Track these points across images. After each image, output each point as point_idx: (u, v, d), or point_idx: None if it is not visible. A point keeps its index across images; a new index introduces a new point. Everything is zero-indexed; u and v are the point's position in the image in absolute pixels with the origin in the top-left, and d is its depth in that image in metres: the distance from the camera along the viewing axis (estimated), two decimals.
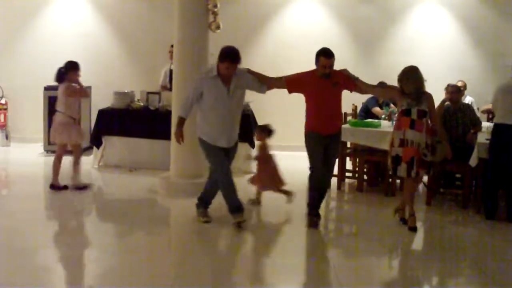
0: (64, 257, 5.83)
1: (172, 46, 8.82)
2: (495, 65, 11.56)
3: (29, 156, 10.36)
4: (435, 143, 7.50)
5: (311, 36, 11.46)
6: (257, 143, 7.89)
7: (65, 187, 8.20)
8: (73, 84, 8.17)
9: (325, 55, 6.54)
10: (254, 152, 8.54)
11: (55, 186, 8.19)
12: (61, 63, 11.13)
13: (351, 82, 6.71)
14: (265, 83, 6.71)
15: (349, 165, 9.05)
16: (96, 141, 9.72)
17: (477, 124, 8.11)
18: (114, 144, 9.67)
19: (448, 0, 11.61)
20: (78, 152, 8.33)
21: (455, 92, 8.26)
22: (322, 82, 6.59)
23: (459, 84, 9.80)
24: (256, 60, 11.11)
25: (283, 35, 11.61)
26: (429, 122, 6.74)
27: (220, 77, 6.38)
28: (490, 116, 9.93)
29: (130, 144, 9.60)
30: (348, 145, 8.93)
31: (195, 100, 6.50)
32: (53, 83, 10.64)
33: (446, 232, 7.05)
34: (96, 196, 8.55)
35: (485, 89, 10.97)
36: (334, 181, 8.54)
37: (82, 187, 8.23)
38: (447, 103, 8.28)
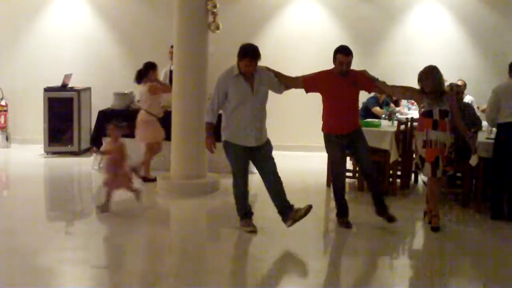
0: (64, 258, 5.81)
1: (172, 46, 8.81)
2: (495, 64, 11.54)
3: (29, 157, 10.36)
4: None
5: (311, 37, 11.46)
6: (108, 140, 7.72)
7: (155, 179, 8.45)
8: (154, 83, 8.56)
9: (342, 52, 6.55)
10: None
11: (146, 179, 8.50)
12: (61, 65, 11.24)
13: (370, 83, 6.70)
14: (283, 82, 6.61)
15: (349, 165, 9.03)
16: (96, 142, 9.70)
17: (477, 124, 8.09)
18: None
19: None
20: (157, 149, 8.64)
21: (460, 92, 8.31)
22: (340, 80, 6.56)
23: (459, 83, 9.80)
24: None
25: (283, 36, 11.59)
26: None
27: (242, 76, 6.28)
28: None
29: (130, 145, 9.55)
30: None
31: (221, 101, 6.32)
32: (53, 84, 10.73)
33: (446, 231, 7.03)
34: (96, 197, 8.55)
35: (484, 88, 10.89)
36: None
37: (152, 179, 8.55)
38: None
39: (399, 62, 11.39)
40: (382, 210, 6.81)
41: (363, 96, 8.99)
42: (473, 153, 6.90)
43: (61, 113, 10.58)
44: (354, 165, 8.99)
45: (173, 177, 8.22)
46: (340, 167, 6.82)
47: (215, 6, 8.04)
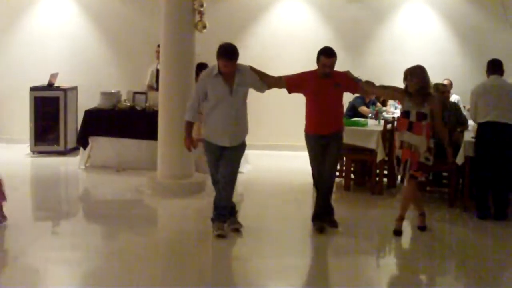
0: (51, 258, 5.78)
1: (158, 46, 8.79)
2: (481, 64, 11.50)
3: (15, 157, 10.28)
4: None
5: (298, 36, 11.46)
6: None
7: None
8: None
9: (325, 54, 6.50)
10: None
11: None
12: (47, 64, 11.18)
13: (354, 84, 6.67)
14: (265, 82, 6.60)
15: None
16: (82, 142, 9.66)
17: (463, 123, 8.14)
18: (101, 145, 9.60)
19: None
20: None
21: (446, 91, 8.35)
22: (323, 82, 6.53)
23: (445, 82, 9.86)
24: (242, 60, 11.03)
25: (270, 35, 11.58)
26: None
27: (222, 76, 6.25)
28: None
29: (117, 145, 9.55)
30: None
31: (200, 101, 6.33)
32: (39, 83, 10.66)
33: (433, 230, 7.07)
34: (83, 197, 8.53)
35: (470, 88, 10.97)
36: None
37: None
38: None
39: (386, 62, 11.42)
40: (320, 217, 6.76)
41: (350, 96, 9.02)
42: (449, 157, 6.85)
43: (48, 112, 10.52)
44: (341, 164, 9.02)
45: (159, 176, 8.20)
46: (320, 167, 6.73)
47: (201, 5, 8.02)
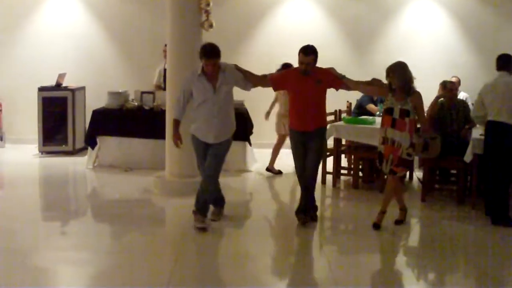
0: (59, 258, 5.80)
1: (166, 45, 8.79)
2: (489, 61, 11.49)
3: (24, 157, 10.33)
4: (429, 139, 7.49)
5: (304, 35, 11.38)
6: None
7: (280, 172, 9.20)
8: None
9: (303, 52, 6.58)
10: None
11: (270, 170, 9.28)
12: (54, 64, 11.21)
13: (337, 81, 6.70)
14: (250, 80, 6.73)
15: (344, 162, 9.04)
16: (90, 142, 9.67)
17: (471, 120, 8.11)
18: (109, 145, 9.62)
19: None
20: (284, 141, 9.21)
21: (454, 89, 8.31)
22: (304, 79, 6.59)
23: (454, 79, 9.83)
24: (249, 58, 11.09)
25: (276, 34, 11.59)
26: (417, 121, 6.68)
27: (205, 75, 6.42)
28: None
29: (124, 144, 9.57)
30: (343, 142, 8.91)
31: (186, 99, 6.57)
32: (47, 83, 10.70)
33: (441, 228, 7.06)
34: (91, 197, 8.55)
35: (478, 85, 10.83)
36: (329, 178, 8.59)
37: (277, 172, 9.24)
38: (441, 99, 8.29)
39: (392, 60, 11.09)
40: (299, 212, 6.81)
41: (358, 94, 9.01)
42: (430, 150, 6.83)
43: (56, 112, 10.56)
44: (349, 162, 9.01)
45: (167, 176, 8.20)
46: (302, 163, 6.76)
47: (208, 4, 8.02)
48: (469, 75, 11.18)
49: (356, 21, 11.67)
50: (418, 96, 6.60)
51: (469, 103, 9.25)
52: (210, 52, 6.35)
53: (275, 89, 6.88)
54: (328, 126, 8.28)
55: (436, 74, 10.66)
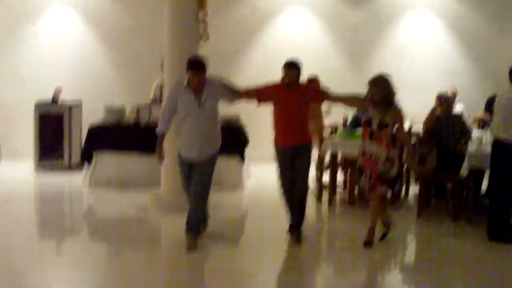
0: (54, 277, 5.79)
1: (163, 60, 8.73)
2: (485, 71, 11.59)
3: (19, 173, 10.31)
4: (426, 153, 7.50)
5: (302, 46, 11.45)
6: None
7: None
8: None
9: (286, 66, 6.55)
10: None
11: None
12: (51, 78, 11.21)
13: (319, 94, 6.72)
14: (235, 94, 6.69)
15: (340, 175, 9.01)
16: (87, 157, 9.65)
17: (465, 134, 8.10)
18: (105, 160, 9.56)
19: (438, 7, 11.62)
20: None
21: (449, 102, 8.30)
22: (288, 93, 6.57)
23: (449, 93, 9.80)
24: (246, 69, 11.11)
25: (274, 44, 11.59)
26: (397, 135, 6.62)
27: (191, 88, 6.33)
28: (481, 124, 9.91)
29: (121, 160, 9.53)
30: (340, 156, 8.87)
31: (171, 113, 6.45)
32: (43, 97, 10.68)
33: (437, 244, 7.04)
34: (87, 214, 8.53)
35: (475, 96, 10.98)
36: (325, 193, 8.56)
37: None
38: (437, 113, 8.30)
39: (390, 70, 11.19)
40: (294, 230, 6.81)
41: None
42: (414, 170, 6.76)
43: (52, 128, 10.54)
44: (345, 177, 8.98)
45: (163, 193, 8.18)
46: (287, 179, 6.73)
47: (206, 15, 8.01)
48: (465, 85, 11.20)
49: (354, 32, 11.69)
50: (399, 112, 6.59)
51: (465, 115, 9.23)
52: (197, 65, 6.28)
53: (259, 102, 6.78)
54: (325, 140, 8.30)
55: (432, 84, 10.67)
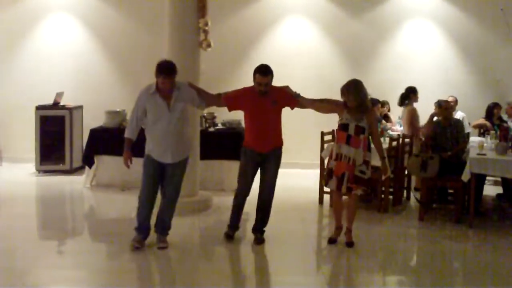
0: (55, 278, 5.78)
1: None
2: (484, 80, 11.64)
3: (21, 176, 10.31)
4: (427, 159, 7.51)
5: (302, 54, 11.50)
6: None
7: None
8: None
9: (260, 72, 6.47)
10: None
11: None
12: (52, 83, 11.23)
13: (292, 100, 6.67)
14: (204, 99, 6.65)
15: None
16: (88, 161, 9.67)
17: (460, 141, 8.13)
18: (106, 163, 9.60)
19: (437, 15, 11.68)
20: None
21: (449, 108, 8.34)
22: (260, 99, 6.51)
23: (450, 99, 9.86)
24: (247, 77, 11.10)
25: (274, 53, 11.60)
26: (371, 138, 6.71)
27: (160, 93, 6.28)
28: (482, 131, 9.97)
29: (122, 163, 9.47)
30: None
31: (139, 118, 6.37)
32: (44, 102, 10.70)
33: (439, 247, 7.04)
34: (88, 216, 8.52)
35: (475, 104, 11.05)
36: (327, 198, 8.54)
37: None
38: (436, 118, 8.34)
39: (390, 78, 11.45)
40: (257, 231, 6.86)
41: None
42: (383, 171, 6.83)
43: (53, 131, 10.56)
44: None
45: None
46: (247, 182, 6.70)
47: (206, 24, 8.04)
48: (465, 94, 11.24)
49: (354, 40, 11.72)
50: (373, 114, 6.70)
51: (466, 123, 9.26)
52: (168, 69, 6.22)
53: (230, 109, 6.71)
54: (325, 146, 8.31)
55: (433, 93, 10.69)
